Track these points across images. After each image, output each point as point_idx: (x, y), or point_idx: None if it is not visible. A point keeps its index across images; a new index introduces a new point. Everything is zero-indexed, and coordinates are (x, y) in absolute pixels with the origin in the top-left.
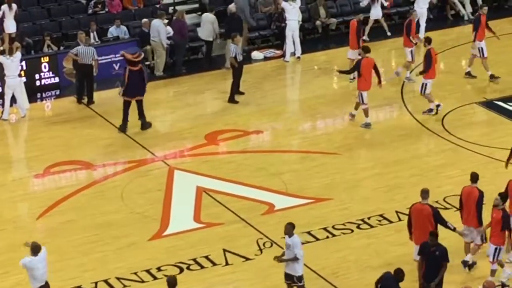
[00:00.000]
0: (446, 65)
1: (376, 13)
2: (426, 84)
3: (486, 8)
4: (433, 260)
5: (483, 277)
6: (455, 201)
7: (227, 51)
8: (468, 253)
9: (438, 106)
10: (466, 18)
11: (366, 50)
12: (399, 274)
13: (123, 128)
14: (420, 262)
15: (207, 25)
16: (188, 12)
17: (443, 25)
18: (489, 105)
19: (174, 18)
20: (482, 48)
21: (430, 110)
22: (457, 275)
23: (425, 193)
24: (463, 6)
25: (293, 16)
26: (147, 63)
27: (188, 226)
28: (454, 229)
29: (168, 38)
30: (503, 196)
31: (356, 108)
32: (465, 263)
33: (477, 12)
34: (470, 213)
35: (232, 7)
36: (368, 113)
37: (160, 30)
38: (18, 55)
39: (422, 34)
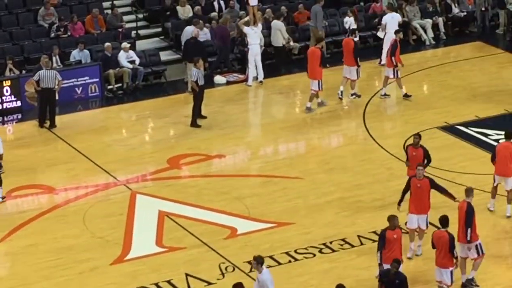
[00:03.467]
0: (407, 89)
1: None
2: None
3: (401, 33)
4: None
5: None
6: None
7: (188, 75)
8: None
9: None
10: (427, 43)
11: None
12: None
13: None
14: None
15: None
16: (151, 36)
17: (405, 50)
18: (450, 129)
19: (218, 24)
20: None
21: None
22: None
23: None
24: (425, 31)
25: (255, 41)
26: (109, 87)
27: (150, 251)
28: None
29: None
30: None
31: (311, 100)
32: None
33: (393, 39)
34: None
35: (195, 31)
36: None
37: None
38: None
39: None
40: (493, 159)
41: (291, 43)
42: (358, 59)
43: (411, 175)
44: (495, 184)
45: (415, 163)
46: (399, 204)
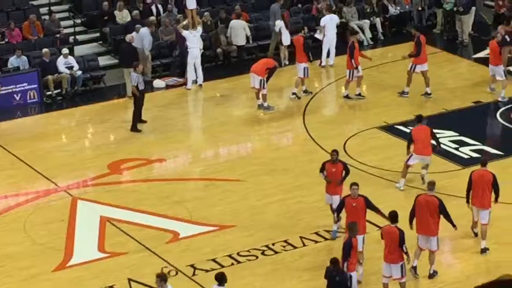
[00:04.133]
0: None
1: (286, 38)
2: (415, 66)
3: (358, 35)
4: (334, 285)
5: None
6: None
7: (126, 79)
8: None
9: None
10: (365, 43)
11: None
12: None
13: None
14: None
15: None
16: (89, 41)
17: (343, 51)
18: (390, 129)
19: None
20: (353, 72)
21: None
22: None
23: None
24: (363, 32)
25: (194, 44)
26: (48, 92)
27: (93, 256)
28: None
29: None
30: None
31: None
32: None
33: (351, 41)
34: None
35: (129, 36)
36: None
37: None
38: None
39: (332, 60)
40: (468, 189)
41: (232, 46)
42: (310, 53)
43: (345, 196)
44: (475, 220)
45: (335, 179)
46: (335, 223)
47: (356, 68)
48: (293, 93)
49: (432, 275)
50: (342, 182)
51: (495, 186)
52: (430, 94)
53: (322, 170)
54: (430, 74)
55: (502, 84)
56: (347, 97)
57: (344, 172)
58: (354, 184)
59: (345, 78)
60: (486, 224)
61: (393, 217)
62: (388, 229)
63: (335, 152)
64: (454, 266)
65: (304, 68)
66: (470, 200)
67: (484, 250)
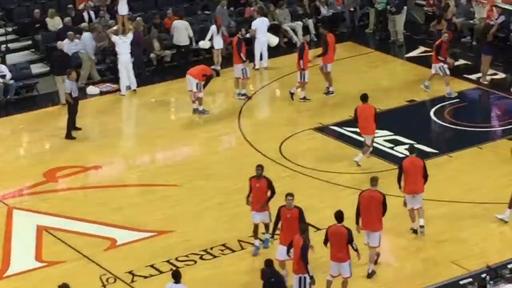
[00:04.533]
0: (281, 92)
1: (218, 42)
2: (327, 66)
3: (308, 36)
4: (270, 286)
5: None
6: None
7: (59, 87)
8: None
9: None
10: (298, 45)
11: None
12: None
13: None
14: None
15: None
16: (21, 49)
17: (276, 53)
18: (325, 130)
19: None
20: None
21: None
22: None
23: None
24: (295, 34)
25: (124, 50)
26: None
27: (30, 266)
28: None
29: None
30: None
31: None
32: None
33: (301, 42)
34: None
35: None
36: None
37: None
38: None
39: (265, 62)
40: (400, 178)
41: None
42: (242, 54)
43: (281, 206)
44: (408, 208)
45: (258, 195)
46: (271, 235)
47: (304, 69)
48: (240, 94)
49: (370, 275)
50: (266, 203)
51: (425, 172)
52: (331, 92)
53: (250, 185)
54: (363, 74)
55: (445, 81)
56: (303, 98)
57: (269, 191)
58: (290, 194)
59: (280, 79)
60: (421, 207)
61: (339, 216)
62: (334, 229)
63: (259, 167)
64: (392, 265)
65: (242, 69)
66: (403, 188)
67: (421, 227)
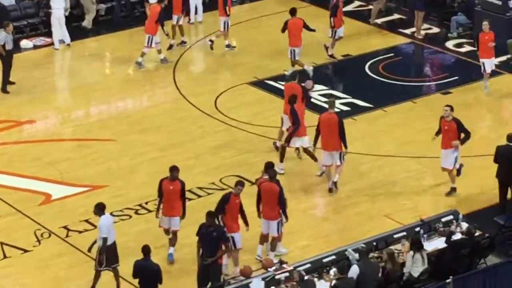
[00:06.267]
0: (218, 48)
1: None
2: (294, 51)
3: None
4: (209, 240)
5: None
6: (231, 181)
7: None
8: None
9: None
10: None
11: None
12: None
13: None
14: (197, 242)
15: None
16: None
17: (212, 6)
18: (260, 84)
19: None
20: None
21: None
22: None
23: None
24: None
25: (58, 5)
26: None
27: None
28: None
29: None
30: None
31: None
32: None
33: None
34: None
35: None
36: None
37: None
38: None
39: (200, 17)
40: (317, 134)
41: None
42: (227, 8)
43: (229, 192)
44: (327, 164)
45: (171, 197)
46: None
47: (228, 15)
48: (226, 45)
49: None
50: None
51: (341, 130)
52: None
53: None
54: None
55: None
56: (228, 46)
57: (181, 195)
58: (240, 183)
59: (215, 33)
60: (340, 165)
61: (270, 169)
62: (267, 185)
63: (175, 168)
64: (328, 219)
65: (224, 22)
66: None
67: (335, 184)
